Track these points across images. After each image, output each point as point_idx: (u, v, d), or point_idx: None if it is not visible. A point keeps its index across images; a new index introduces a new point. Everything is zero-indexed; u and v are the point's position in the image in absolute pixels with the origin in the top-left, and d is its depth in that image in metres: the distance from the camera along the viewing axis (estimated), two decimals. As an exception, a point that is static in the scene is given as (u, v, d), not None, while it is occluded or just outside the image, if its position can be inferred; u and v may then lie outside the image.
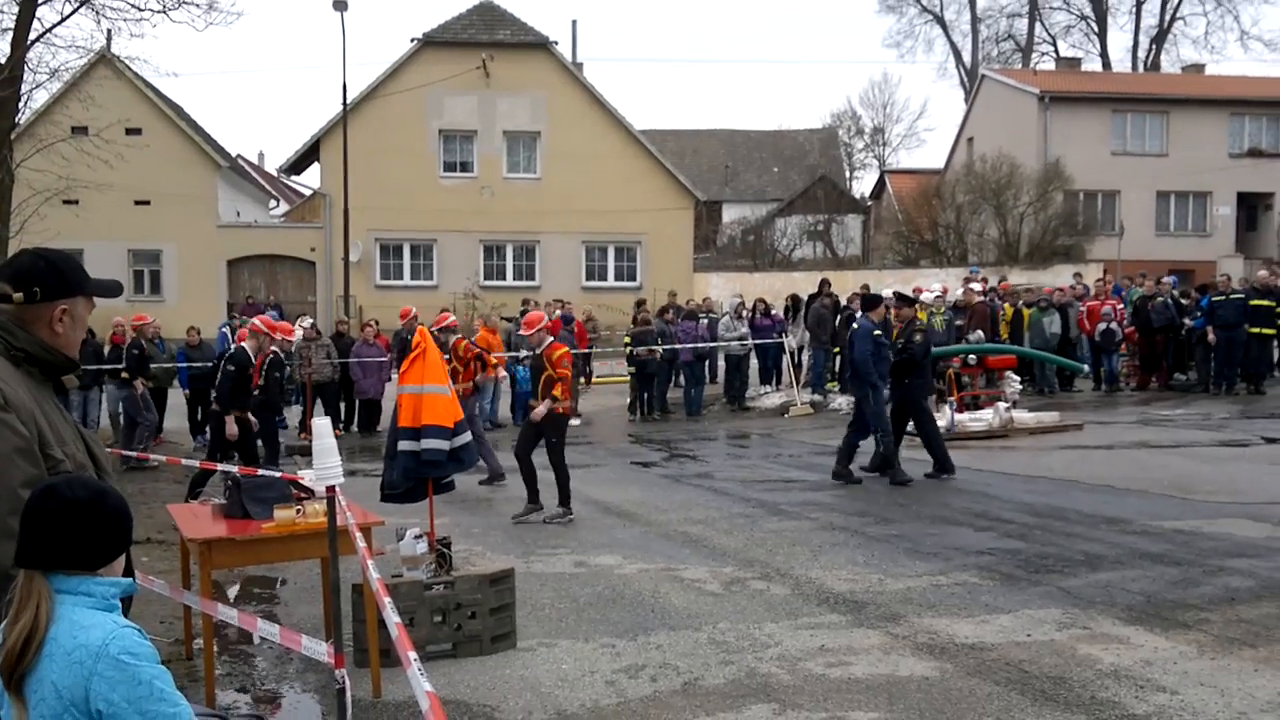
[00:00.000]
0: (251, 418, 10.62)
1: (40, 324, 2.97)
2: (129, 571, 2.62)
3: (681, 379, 19.45)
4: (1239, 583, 7.06)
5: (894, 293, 12.95)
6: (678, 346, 18.31)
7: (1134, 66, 51.53)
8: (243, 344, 10.88)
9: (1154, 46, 52.73)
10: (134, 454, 13.06)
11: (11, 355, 2.91)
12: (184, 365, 16.20)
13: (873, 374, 11.42)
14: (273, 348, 11.11)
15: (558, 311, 20.50)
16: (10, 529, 2.55)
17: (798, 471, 12.37)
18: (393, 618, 3.66)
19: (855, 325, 12.27)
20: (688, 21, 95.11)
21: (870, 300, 12.35)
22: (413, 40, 32.39)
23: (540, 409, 10.09)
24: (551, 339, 10.30)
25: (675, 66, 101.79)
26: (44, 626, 2.35)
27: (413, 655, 3.05)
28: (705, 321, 19.77)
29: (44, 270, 2.98)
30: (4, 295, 2.95)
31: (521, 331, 12.43)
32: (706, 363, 19.75)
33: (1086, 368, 19.46)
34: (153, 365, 15.44)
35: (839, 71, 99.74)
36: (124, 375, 14.52)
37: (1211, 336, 18.47)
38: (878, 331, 11.52)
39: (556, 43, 32.87)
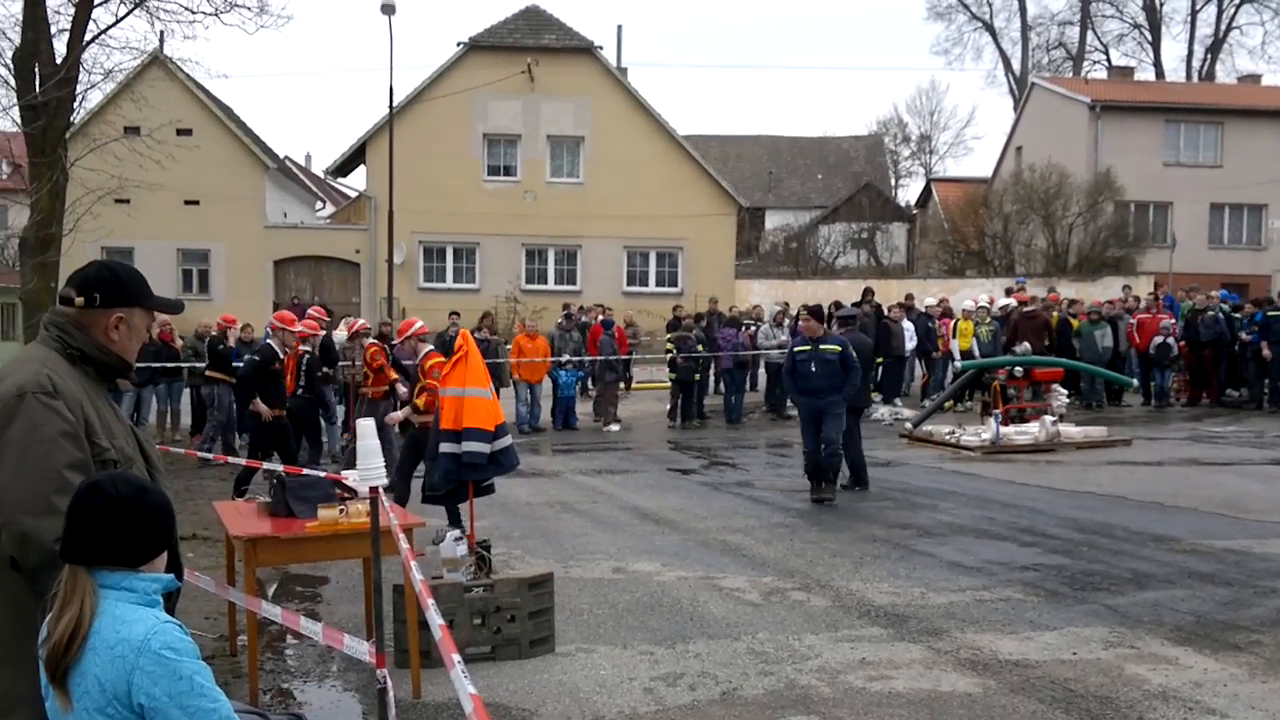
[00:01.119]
0: (267, 413, 10.65)
1: (97, 329, 3.13)
2: (177, 567, 2.67)
3: (721, 386, 19.39)
4: (1292, 605, 6.91)
5: (803, 306, 12.37)
6: (706, 354, 18.24)
7: (1188, 76, 50.88)
8: (268, 340, 11.05)
9: (1209, 56, 52.06)
10: (209, 455, 13.01)
11: (67, 354, 3.06)
12: (236, 364, 16.40)
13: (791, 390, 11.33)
14: (304, 348, 11.25)
15: (599, 316, 20.55)
16: (55, 507, 2.64)
17: (837, 482, 12.24)
18: (436, 619, 3.66)
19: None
20: (733, 27, 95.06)
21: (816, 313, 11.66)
22: (459, 44, 32.64)
23: (397, 415, 10.31)
24: (430, 348, 10.18)
25: (720, 72, 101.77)
26: (88, 621, 2.40)
27: (456, 657, 3.05)
28: (749, 329, 19.70)
29: (106, 279, 3.16)
30: (68, 299, 3.14)
31: (395, 340, 12.16)
32: (748, 370, 19.67)
33: (1136, 382, 19.17)
34: (201, 364, 15.64)
35: (886, 78, 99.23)
36: (207, 373, 14.64)
37: (1267, 352, 18.15)
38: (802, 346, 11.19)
39: (601, 47, 32.98)
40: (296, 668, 6.17)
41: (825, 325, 11.44)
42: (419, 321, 10.75)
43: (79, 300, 3.10)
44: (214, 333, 15.36)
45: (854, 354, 11.05)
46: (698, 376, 18.30)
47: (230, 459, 11.09)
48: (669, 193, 32.12)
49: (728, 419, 18.47)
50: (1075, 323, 19.42)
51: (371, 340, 13.73)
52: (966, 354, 18.52)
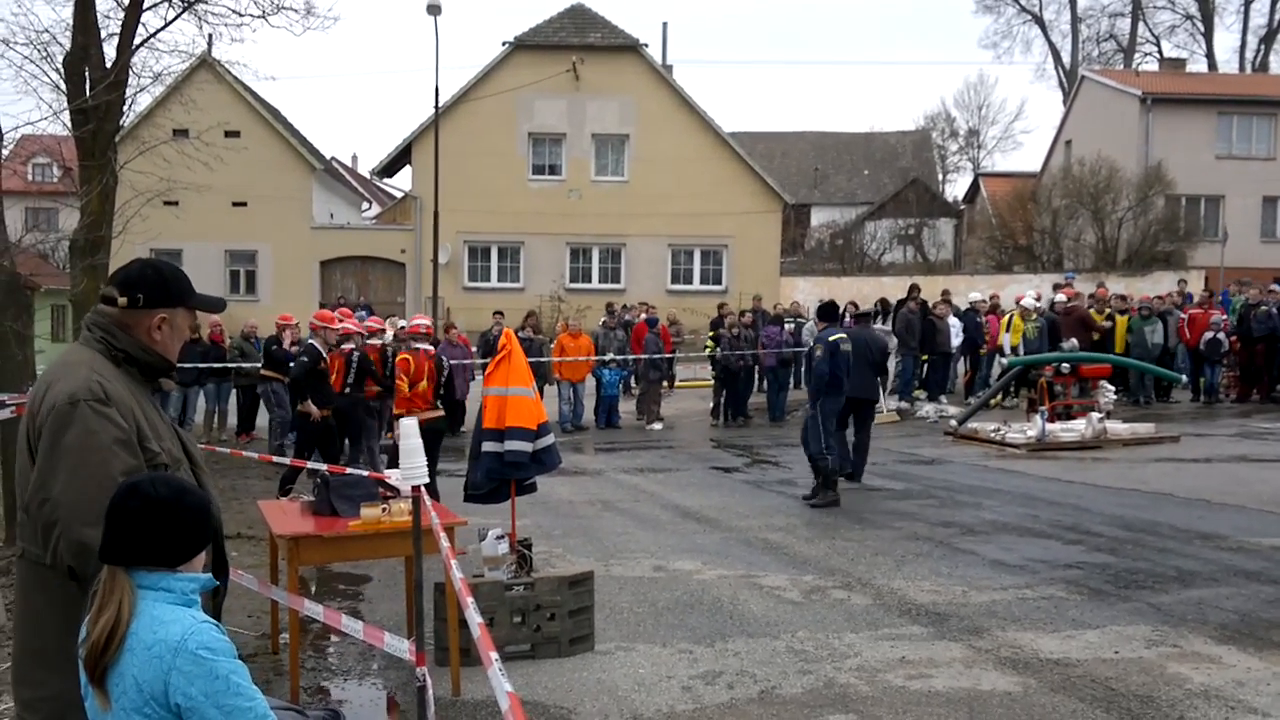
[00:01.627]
0: (317, 414, 10.78)
1: (140, 329, 3.13)
2: (223, 566, 2.71)
3: (765, 384, 19.35)
4: (1341, 605, 6.80)
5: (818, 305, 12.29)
6: (749, 351, 18.20)
7: (1241, 68, 49.95)
8: (310, 340, 11.20)
9: (1263, 47, 51.05)
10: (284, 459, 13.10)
11: (112, 355, 3.07)
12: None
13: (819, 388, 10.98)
14: (348, 345, 11.41)
15: (643, 315, 20.59)
16: None
17: (882, 480, 12.22)
18: (475, 617, 3.70)
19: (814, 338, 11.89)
20: (779, 22, 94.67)
21: (828, 310, 11.69)
22: (504, 44, 32.81)
23: (311, 406, 10.52)
24: (419, 346, 10.55)
25: (766, 68, 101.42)
26: (126, 621, 2.43)
27: (494, 655, 3.09)
28: (791, 326, 19.65)
29: (150, 279, 3.15)
30: (110, 299, 3.12)
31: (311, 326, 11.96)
32: (791, 367, 19.61)
33: (1184, 378, 18.88)
34: (247, 364, 15.87)
35: (933, 72, 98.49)
36: (264, 372, 14.87)
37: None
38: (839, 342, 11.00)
39: (646, 45, 33.01)
40: (337, 665, 6.26)
41: (832, 324, 11.43)
42: (419, 320, 11.03)
43: (122, 300, 3.09)
44: (272, 333, 15.53)
45: (819, 352, 10.98)
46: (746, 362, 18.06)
47: (275, 458, 11.23)
48: (714, 190, 32.09)
49: (771, 417, 18.44)
50: (1122, 320, 19.13)
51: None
52: (1016, 349, 18.33)
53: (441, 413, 10.93)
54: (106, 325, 3.10)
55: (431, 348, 10.51)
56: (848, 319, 14.79)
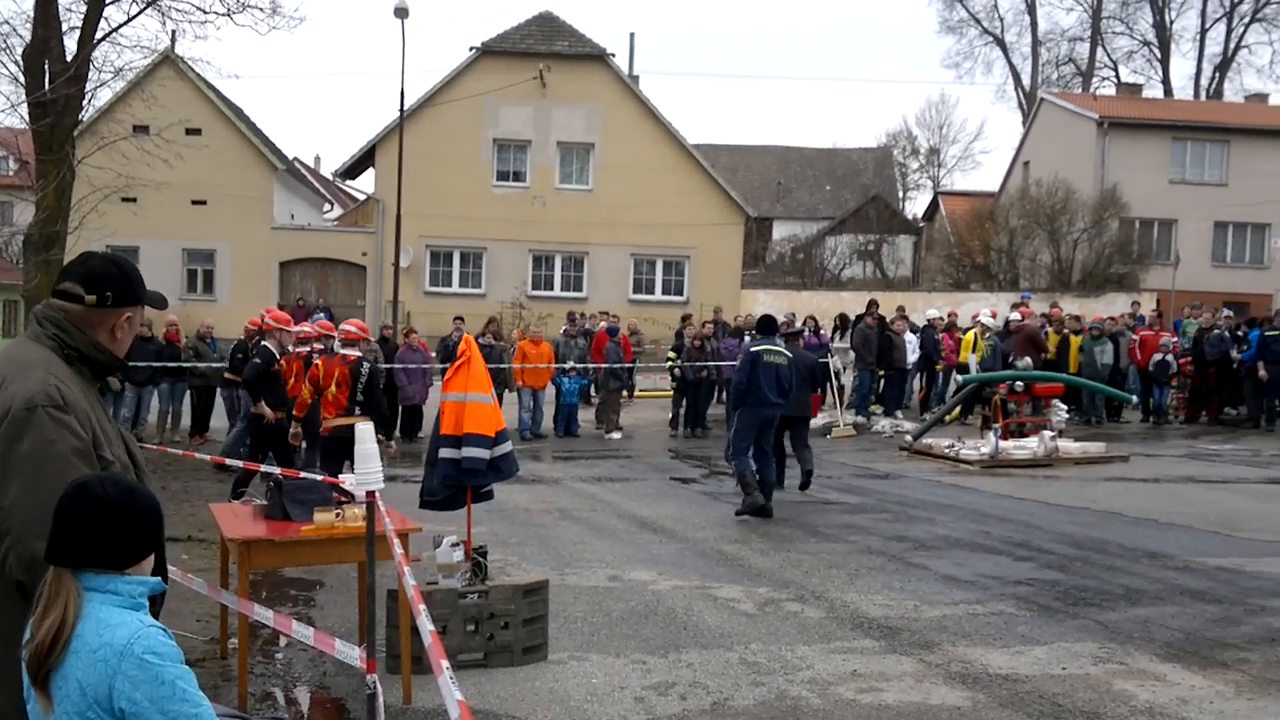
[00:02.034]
0: (271, 415, 10.65)
1: (103, 328, 3.02)
2: (162, 570, 2.65)
3: (723, 395, 19.39)
4: (1282, 624, 6.94)
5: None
6: (709, 363, 18.25)
7: (1196, 94, 50.90)
8: (265, 343, 11.06)
9: (1217, 74, 52.08)
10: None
11: (64, 353, 2.96)
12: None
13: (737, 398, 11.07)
14: (305, 349, 11.27)
15: (603, 324, 20.59)
16: None
17: (837, 493, 12.31)
18: (427, 625, 3.69)
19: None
20: (745, 36, 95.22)
21: (765, 324, 11.67)
22: (471, 49, 32.75)
23: (265, 408, 10.52)
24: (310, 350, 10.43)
25: (731, 81, 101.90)
26: (71, 624, 2.38)
27: (445, 663, 3.08)
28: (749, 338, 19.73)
29: (117, 277, 3.03)
30: (75, 295, 2.98)
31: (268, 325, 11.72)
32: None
33: (1135, 399, 19.18)
34: (203, 364, 15.69)
35: (896, 91, 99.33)
36: (227, 376, 14.50)
37: (1263, 372, 18.18)
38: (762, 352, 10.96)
39: (614, 55, 33.09)
40: (287, 672, 6.20)
41: (768, 337, 11.35)
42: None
43: (90, 299, 2.96)
44: (239, 337, 15.03)
45: (740, 363, 11.22)
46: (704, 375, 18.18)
47: (228, 460, 11.11)
48: (678, 201, 32.19)
49: (729, 428, 18.46)
50: (1076, 340, 19.41)
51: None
52: (978, 366, 18.51)
53: (354, 420, 9.61)
54: (60, 321, 2.97)
55: (357, 353, 10.07)
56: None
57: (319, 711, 5.67)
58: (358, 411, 9.54)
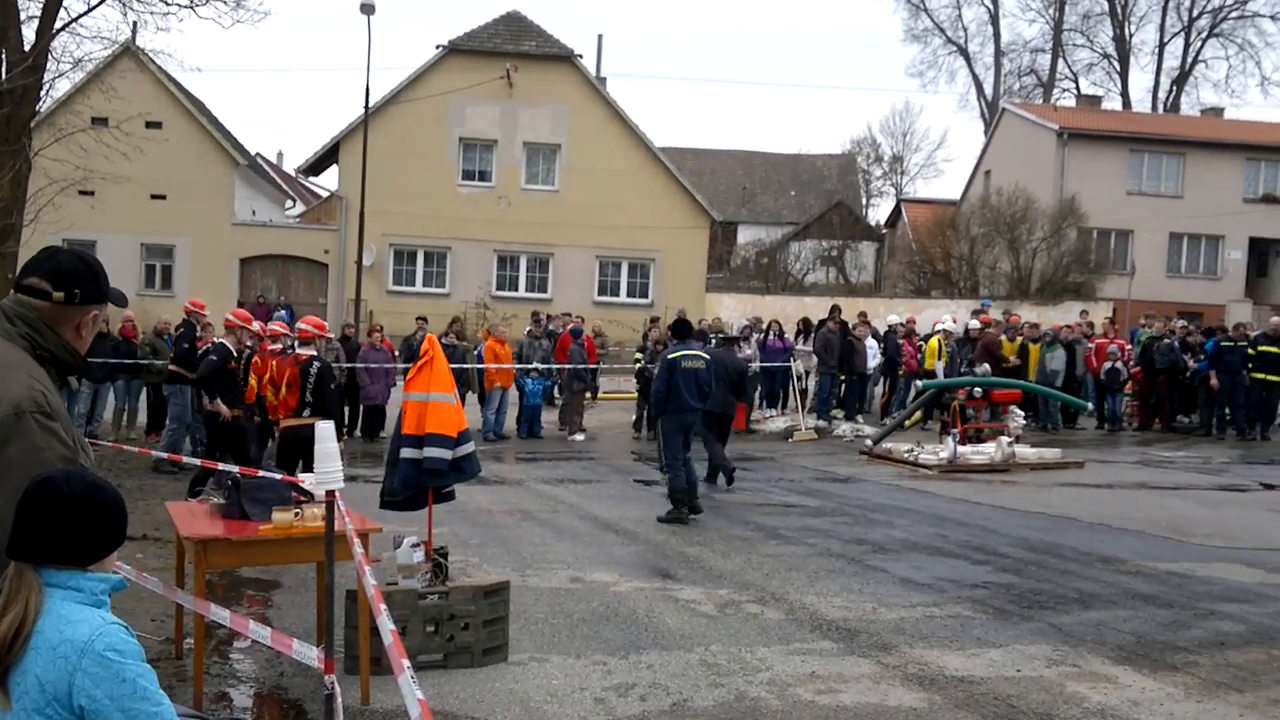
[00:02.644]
0: (226, 413, 10.56)
1: (69, 326, 2.97)
2: None
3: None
4: (1229, 627, 7.07)
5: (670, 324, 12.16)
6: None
7: (1154, 107, 51.64)
8: (222, 339, 10.95)
9: (1175, 88, 52.88)
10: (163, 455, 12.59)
11: (37, 354, 2.90)
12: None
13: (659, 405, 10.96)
14: (306, 351, 11.04)
15: (566, 325, 20.58)
16: None
17: (798, 496, 12.38)
18: (387, 625, 3.69)
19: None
20: (713, 41, 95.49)
21: (681, 328, 11.37)
22: (438, 47, 32.62)
23: (221, 405, 10.53)
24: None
25: (698, 85, 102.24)
26: (32, 620, 2.36)
27: (405, 663, 3.08)
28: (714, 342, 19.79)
29: (86, 274, 2.98)
30: (42, 292, 2.92)
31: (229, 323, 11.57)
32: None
33: (1090, 405, 19.45)
34: (160, 362, 15.49)
35: (860, 98, 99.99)
36: (171, 368, 14.20)
37: (1214, 381, 18.49)
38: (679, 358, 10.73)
39: (581, 56, 33.07)
40: (243, 672, 6.15)
41: (684, 341, 11.09)
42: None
43: (58, 295, 2.90)
44: (179, 328, 14.58)
45: (658, 370, 11.04)
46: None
47: (185, 459, 10.99)
48: (643, 204, 32.23)
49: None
50: (1035, 348, 19.64)
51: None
52: (942, 371, 18.67)
53: (306, 420, 9.40)
54: (33, 321, 2.91)
55: (310, 352, 9.90)
56: (713, 342, 15.35)
57: (276, 712, 5.63)
58: (307, 413, 9.36)
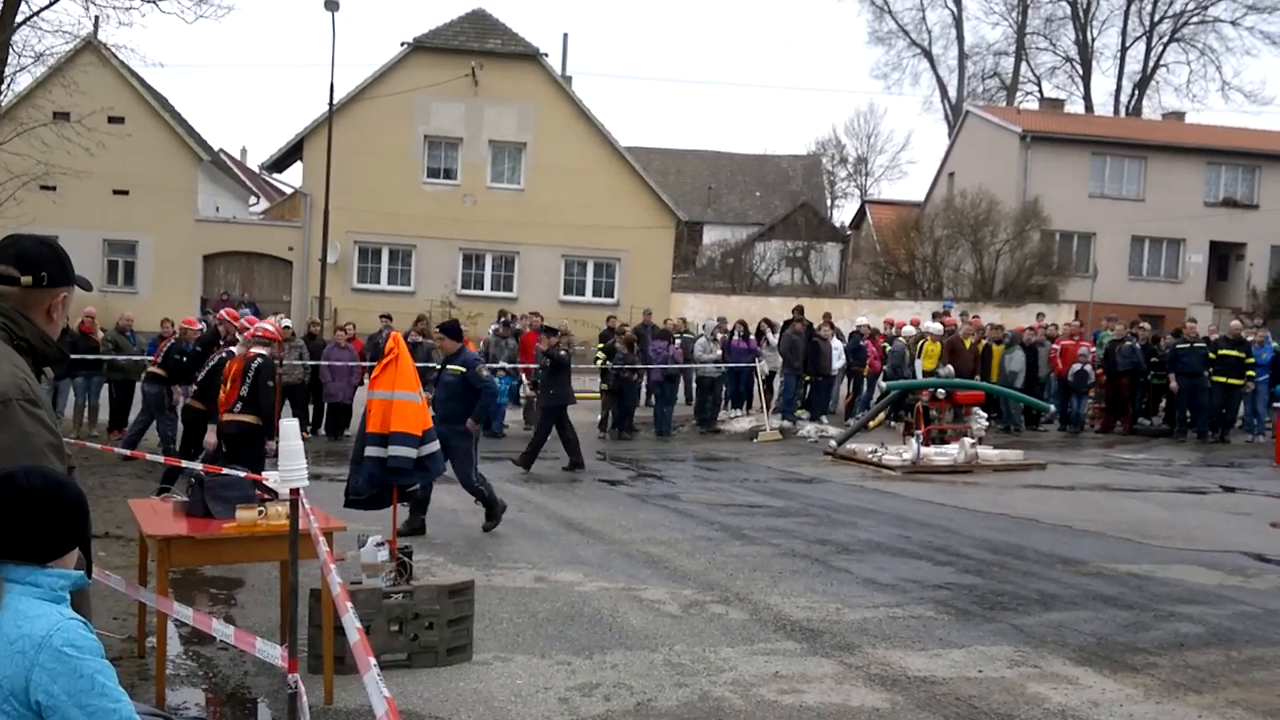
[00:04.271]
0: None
1: (39, 310, 2.96)
2: (87, 565, 2.61)
3: (652, 398, 19.48)
4: (1188, 629, 7.17)
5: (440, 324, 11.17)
6: (637, 366, 18.28)
7: (1116, 111, 52.23)
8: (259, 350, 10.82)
9: (1137, 92, 53.50)
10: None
11: (14, 344, 2.89)
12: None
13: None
14: (256, 350, 10.98)
15: (530, 325, 20.54)
16: None
17: (763, 497, 12.43)
18: (353, 623, 3.67)
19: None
20: (678, 41, 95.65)
21: (453, 329, 10.37)
22: (403, 44, 32.43)
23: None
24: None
25: (664, 85, 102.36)
26: None
27: (371, 660, 3.07)
28: (679, 342, 19.83)
29: (50, 257, 2.98)
30: (10, 278, 2.91)
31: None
32: (678, 382, 19.80)
33: (1052, 407, 19.64)
34: (123, 358, 15.31)
35: (825, 100, 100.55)
36: (151, 369, 14.02)
37: (1174, 384, 18.74)
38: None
39: (547, 55, 32.98)
40: (206, 671, 6.10)
41: (460, 343, 10.23)
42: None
43: (26, 279, 2.89)
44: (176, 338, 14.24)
45: (482, 374, 10.13)
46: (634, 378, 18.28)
47: (148, 455, 10.87)
48: (609, 203, 32.21)
49: (657, 431, 18.57)
50: (998, 349, 19.81)
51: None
52: (930, 374, 18.72)
53: (237, 417, 9.47)
54: (8, 311, 2.90)
55: (260, 351, 9.79)
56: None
57: (239, 711, 5.58)
58: (239, 408, 9.38)
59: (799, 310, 20.25)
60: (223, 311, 14.30)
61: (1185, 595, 8.12)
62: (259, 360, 9.48)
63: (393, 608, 5.99)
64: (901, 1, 57.27)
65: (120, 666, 5.74)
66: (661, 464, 15.27)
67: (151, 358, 14.54)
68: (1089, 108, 52.17)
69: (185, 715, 5.31)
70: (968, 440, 15.21)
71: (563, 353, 14.28)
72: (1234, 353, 18.43)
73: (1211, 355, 18.52)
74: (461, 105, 32.17)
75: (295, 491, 4.44)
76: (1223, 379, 18.47)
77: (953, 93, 55.61)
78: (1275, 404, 18.22)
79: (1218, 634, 7.07)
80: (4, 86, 15.25)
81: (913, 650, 6.56)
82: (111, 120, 24.93)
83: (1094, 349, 20.24)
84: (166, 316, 17.04)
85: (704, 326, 20.81)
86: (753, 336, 20.21)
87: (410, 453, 7.13)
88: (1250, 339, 18.94)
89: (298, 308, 30.13)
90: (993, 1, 67.25)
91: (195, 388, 10.91)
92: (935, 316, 22.35)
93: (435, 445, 7.11)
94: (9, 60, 14.79)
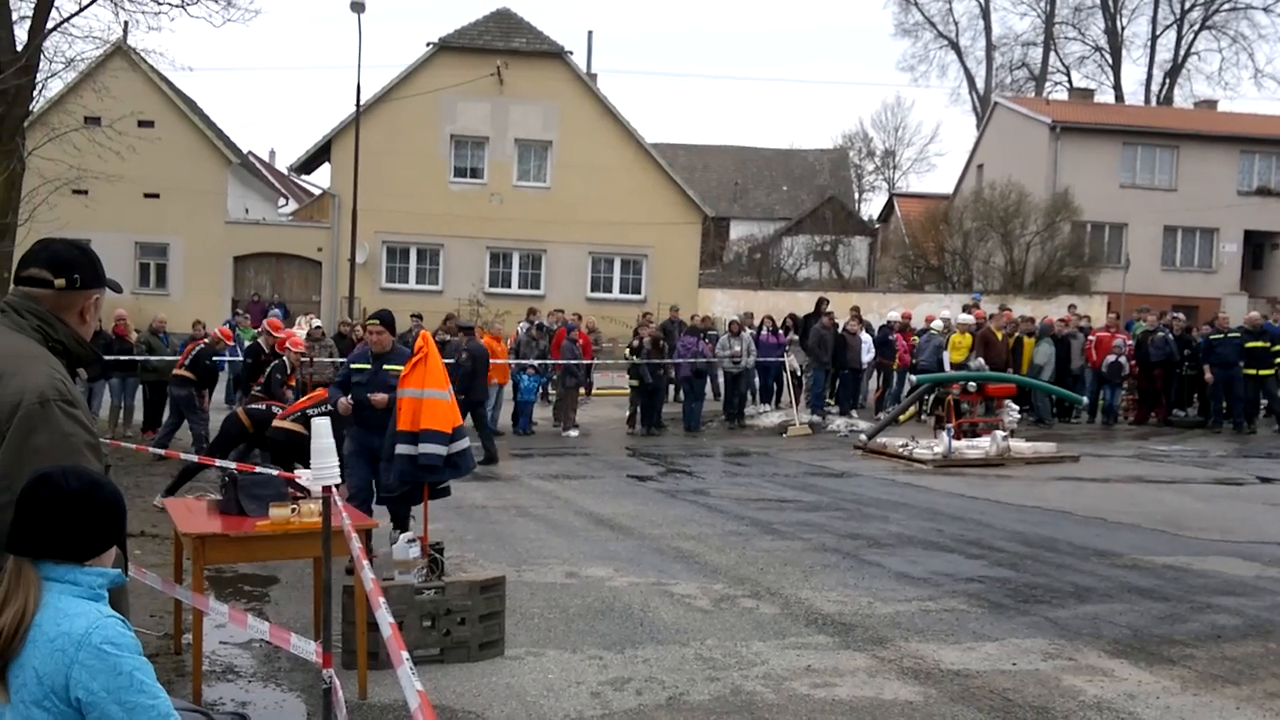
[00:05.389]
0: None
1: (72, 313, 3.00)
2: (124, 564, 2.65)
3: (681, 394, 19.46)
4: (1225, 620, 7.09)
5: (374, 314, 10.49)
6: (665, 361, 18.26)
7: (1147, 100, 51.72)
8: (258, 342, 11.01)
9: (1167, 81, 52.95)
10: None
11: (50, 346, 2.92)
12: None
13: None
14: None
15: (559, 322, 20.59)
16: None
17: (793, 491, 12.40)
18: (386, 618, 3.69)
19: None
20: (703, 37, 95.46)
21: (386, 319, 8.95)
22: (428, 44, 32.55)
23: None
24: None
25: (689, 81, 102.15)
26: (32, 614, 2.38)
27: (404, 655, 3.09)
28: (708, 338, 19.81)
29: (81, 259, 3.02)
30: (43, 281, 2.95)
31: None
32: (707, 378, 19.78)
33: (1085, 400, 19.45)
34: (156, 359, 15.45)
35: (852, 93, 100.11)
36: (177, 372, 14.11)
37: (1209, 375, 18.52)
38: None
39: (572, 53, 33.02)
40: (242, 667, 6.15)
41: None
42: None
43: (59, 282, 2.93)
44: (203, 339, 14.45)
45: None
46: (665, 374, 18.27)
47: (182, 455, 10.98)
48: (635, 200, 32.21)
49: (686, 427, 18.55)
50: (1029, 342, 19.65)
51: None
52: (959, 366, 18.60)
53: (296, 428, 9.33)
54: (42, 313, 2.94)
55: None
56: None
57: (275, 707, 5.63)
58: (292, 417, 9.59)
59: (822, 301, 20.15)
60: (265, 322, 14.50)
61: (1222, 587, 8.03)
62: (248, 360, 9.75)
63: (425, 603, 6.03)
64: (928, -7, 56.63)
65: (157, 663, 5.80)
66: (690, 459, 15.26)
67: (178, 359, 14.69)
68: (1119, 97, 51.68)
69: (222, 711, 5.36)
70: (999, 433, 15.09)
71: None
72: (1259, 343, 18.21)
73: (1246, 345, 18.29)
74: (487, 104, 32.25)
75: (328, 489, 4.47)
76: (1252, 370, 18.26)
77: (981, 84, 55.28)
78: None
79: (1255, 625, 6.99)
80: (36, 92, 15.40)
81: (946, 643, 6.53)
82: (142, 124, 25.14)
83: (1129, 340, 20.04)
84: (198, 318, 17.20)
85: (730, 323, 20.76)
86: (781, 331, 20.15)
87: (440, 450, 7.15)
88: (1276, 323, 18.70)
89: (327, 308, 30.32)
90: (1020, -9, 66.62)
91: (257, 392, 11.08)
92: (966, 309, 22.20)
93: (465, 442, 7.13)
94: (41, 66, 14.95)
